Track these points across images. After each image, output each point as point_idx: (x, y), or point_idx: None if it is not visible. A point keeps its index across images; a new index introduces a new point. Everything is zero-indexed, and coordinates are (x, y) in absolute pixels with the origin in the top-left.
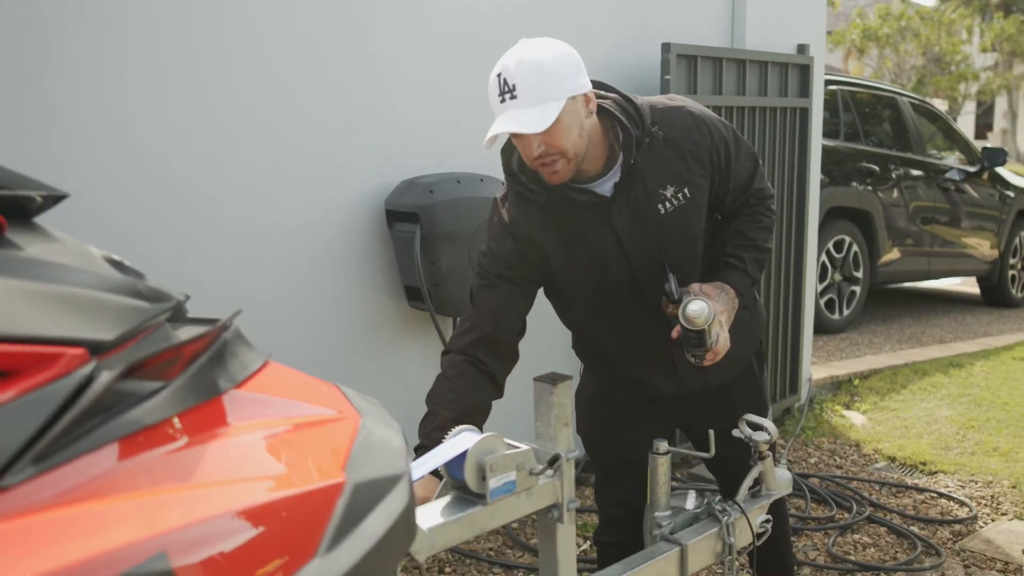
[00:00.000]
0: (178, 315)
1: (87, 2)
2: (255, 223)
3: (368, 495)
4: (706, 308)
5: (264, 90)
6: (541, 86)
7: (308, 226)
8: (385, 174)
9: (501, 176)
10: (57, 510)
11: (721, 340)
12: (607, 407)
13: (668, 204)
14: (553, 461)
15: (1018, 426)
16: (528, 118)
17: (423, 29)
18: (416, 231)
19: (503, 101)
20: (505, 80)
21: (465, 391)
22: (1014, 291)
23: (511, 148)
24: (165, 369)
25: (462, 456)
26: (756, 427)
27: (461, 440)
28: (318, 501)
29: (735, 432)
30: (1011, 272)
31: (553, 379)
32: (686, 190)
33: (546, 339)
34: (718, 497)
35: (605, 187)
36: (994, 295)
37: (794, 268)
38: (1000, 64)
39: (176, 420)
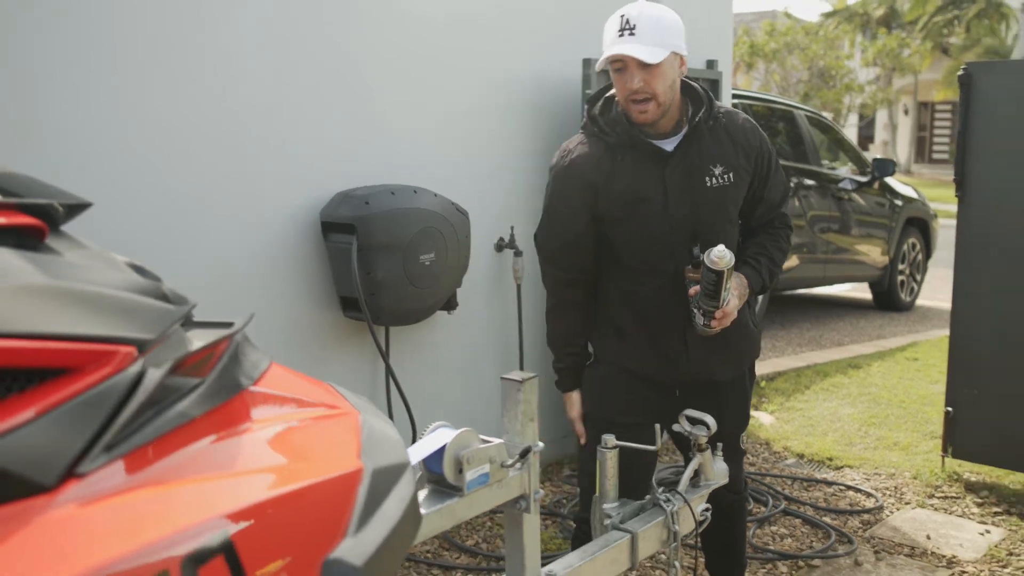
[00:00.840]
0: (187, 318)
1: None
2: (190, 235)
3: (384, 480)
4: (728, 253)
5: (197, 105)
6: (656, 32)
7: (243, 238)
8: (319, 186)
9: (434, 188)
10: (131, 494)
11: (732, 304)
12: (612, 390)
13: (715, 180)
14: (525, 453)
15: (915, 421)
16: (643, 50)
17: (353, 44)
18: (353, 242)
19: (621, 36)
20: (627, 20)
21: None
22: (903, 295)
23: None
24: (201, 367)
25: (440, 451)
26: (695, 422)
27: (438, 436)
28: (343, 486)
29: (675, 427)
30: (900, 277)
31: (520, 377)
32: (731, 175)
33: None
34: (661, 488)
35: (668, 146)
36: (885, 299)
37: None
38: (881, 78)
39: (214, 413)
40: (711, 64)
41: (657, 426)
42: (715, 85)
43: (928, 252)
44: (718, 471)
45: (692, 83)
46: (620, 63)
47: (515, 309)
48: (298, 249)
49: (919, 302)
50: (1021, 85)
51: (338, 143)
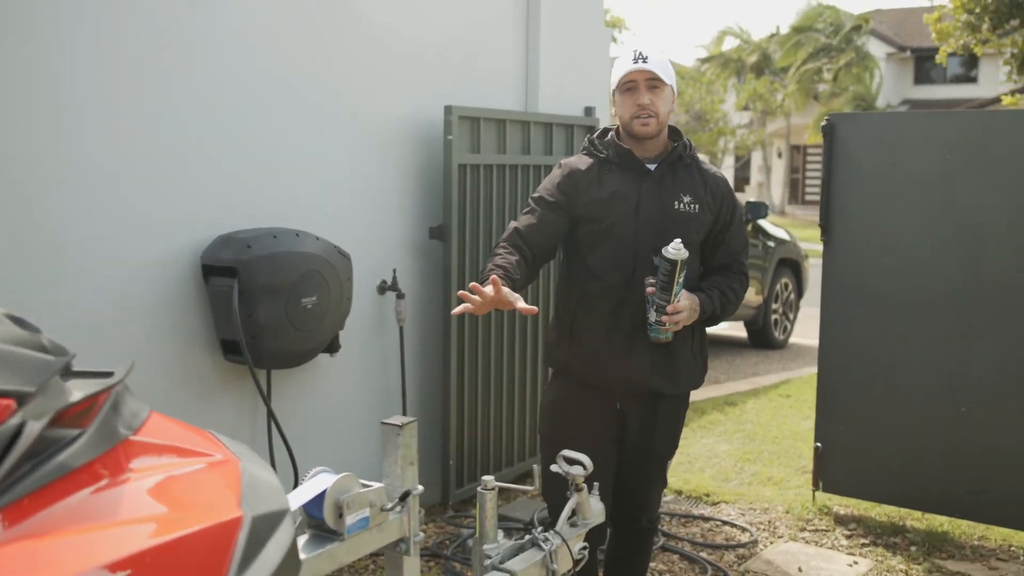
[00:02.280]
0: (67, 368)
1: None
2: (69, 277)
3: (264, 528)
4: (684, 248)
5: (77, 142)
6: (662, 66)
7: (122, 282)
8: (200, 229)
9: (316, 231)
10: (9, 547)
11: (683, 304)
12: (564, 411)
13: (683, 205)
14: (404, 497)
15: (787, 457)
16: (656, 69)
17: (232, 88)
18: (234, 285)
19: (635, 62)
20: (640, 52)
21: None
22: (777, 334)
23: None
24: (81, 418)
25: (320, 496)
26: (572, 462)
27: (319, 481)
28: (223, 533)
29: (552, 467)
30: (774, 316)
31: (400, 422)
32: (697, 206)
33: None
34: (540, 528)
35: (651, 166)
36: (759, 338)
37: None
38: (754, 122)
39: (93, 464)
40: (589, 111)
41: (535, 466)
42: (591, 131)
43: (800, 291)
44: (595, 510)
45: (676, 128)
46: (632, 83)
47: (397, 351)
48: (178, 292)
49: (792, 340)
50: (879, 136)
51: (219, 186)
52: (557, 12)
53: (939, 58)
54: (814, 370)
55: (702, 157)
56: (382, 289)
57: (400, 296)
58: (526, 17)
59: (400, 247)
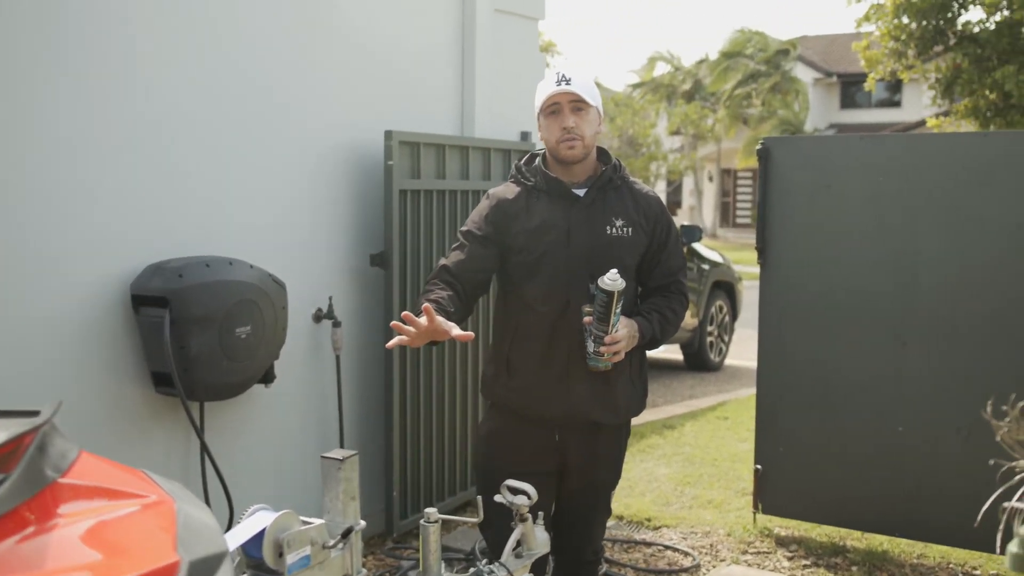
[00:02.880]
0: None
1: None
2: None
3: (201, 571)
4: (620, 279)
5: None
6: (587, 86)
7: (47, 313)
8: (129, 258)
9: (249, 259)
10: None
11: (621, 334)
12: (500, 444)
13: (615, 230)
14: (347, 533)
15: (727, 479)
16: (580, 91)
17: (166, 110)
18: (165, 315)
19: (559, 84)
20: (563, 74)
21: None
22: (712, 356)
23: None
24: (5, 461)
25: (259, 535)
26: (517, 492)
27: (257, 519)
28: None
29: (496, 497)
30: (709, 339)
31: (340, 456)
32: (630, 230)
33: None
34: (485, 560)
35: (579, 191)
36: (695, 360)
37: None
38: (685, 146)
39: (19, 510)
40: (525, 136)
41: (479, 497)
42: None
43: (734, 314)
44: (540, 540)
45: (605, 149)
46: (556, 105)
47: (334, 381)
48: (107, 323)
49: (727, 362)
50: (813, 159)
51: (149, 214)
52: (493, 38)
53: (868, 85)
54: (750, 392)
55: (634, 178)
56: (317, 317)
57: (336, 324)
58: (461, 42)
59: (337, 274)
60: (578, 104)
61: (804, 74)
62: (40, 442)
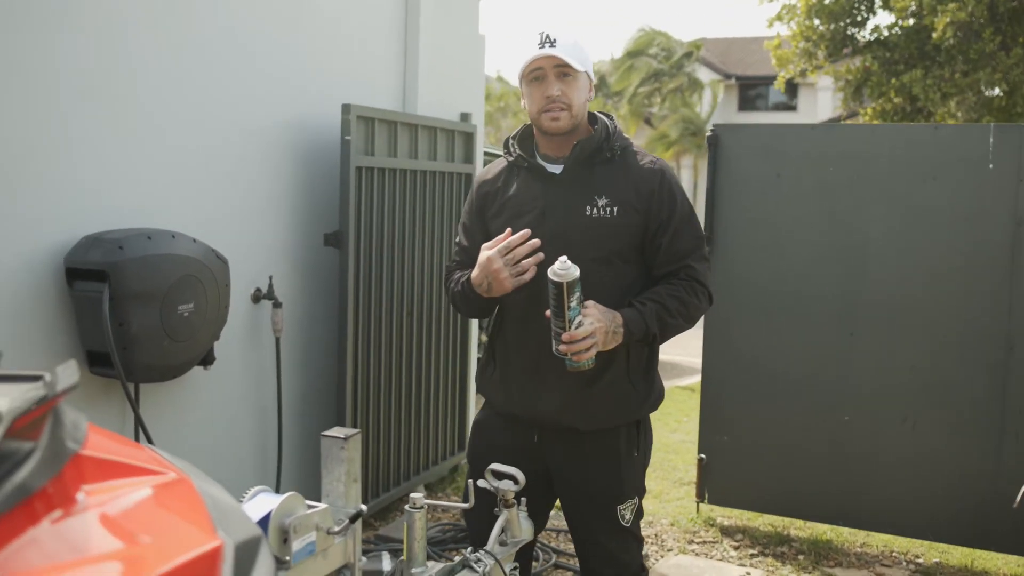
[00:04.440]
0: None
1: None
2: None
3: (246, 555)
4: (572, 267)
5: None
6: (575, 49)
7: None
8: (63, 228)
9: (192, 233)
10: None
11: (583, 330)
12: (487, 437)
13: (596, 210)
14: (356, 518)
15: (663, 469)
16: (566, 56)
17: (108, 75)
18: (104, 290)
19: (542, 47)
20: (547, 35)
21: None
22: None
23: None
24: (32, 429)
25: (264, 520)
26: (501, 476)
27: (260, 502)
28: (206, 565)
29: (480, 482)
30: None
31: (343, 434)
32: (615, 209)
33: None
34: (470, 548)
35: (557, 168)
36: None
37: (460, 329)
38: None
39: (48, 487)
40: (465, 117)
41: (470, 481)
42: (470, 138)
43: None
44: (525, 528)
45: (601, 115)
46: (540, 71)
47: (273, 364)
48: (38, 298)
49: None
50: (763, 147)
51: (85, 182)
52: (435, 19)
53: (777, 83)
54: (673, 383)
55: (638, 147)
56: (257, 297)
57: (277, 305)
58: (404, 21)
59: (280, 253)
60: (564, 69)
61: (703, 75)
62: (56, 409)
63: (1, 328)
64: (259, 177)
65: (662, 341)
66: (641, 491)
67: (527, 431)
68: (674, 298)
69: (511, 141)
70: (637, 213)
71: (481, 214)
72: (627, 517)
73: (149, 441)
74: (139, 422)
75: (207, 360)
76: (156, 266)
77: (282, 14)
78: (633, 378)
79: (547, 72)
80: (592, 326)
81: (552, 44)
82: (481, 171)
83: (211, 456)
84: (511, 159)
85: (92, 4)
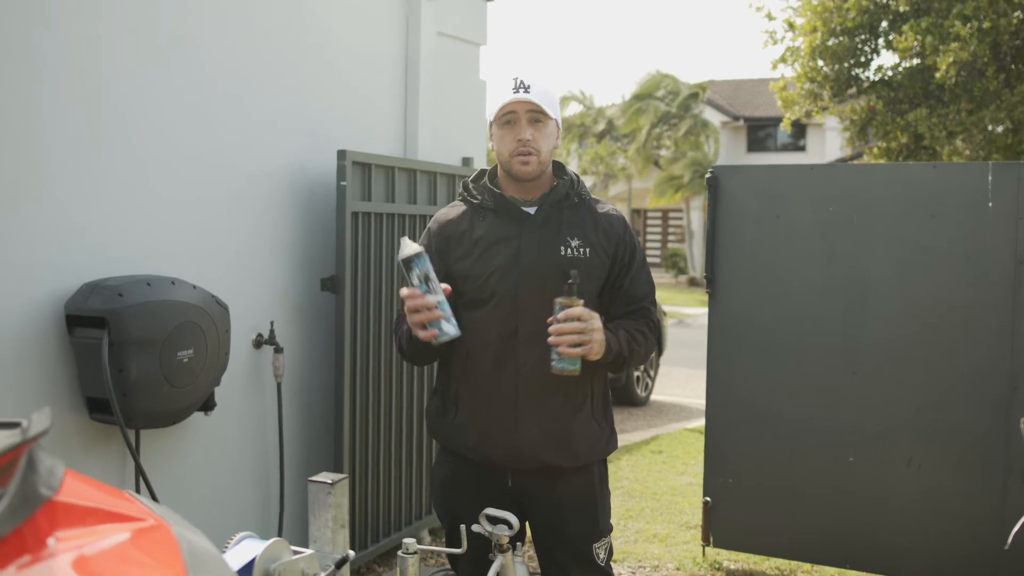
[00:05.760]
0: None
1: None
2: None
3: None
4: (413, 244)
5: None
6: (548, 96)
7: None
8: (63, 276)
9: (192, 280)
10: None
11: (587, 314)
12: (454, 493)
13: (570, 250)
14: (342, 564)
15: (669, 512)
16: (540, 101)
17: (108, 123)
18: (104, 337)
19: (516, 91)
20: (522, 81)
21: None
22: (639, 391)
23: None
24: (1, 475)
25: (248, 566)
26: (496, 521)
27: (244, 548)
28: None
29: (475, 527)
30: (636, 374)
31: (330, 479)
32: (588, 250)
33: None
34: None
35: (531, 210)
36: (622, 395)
37: None
38: (597, 185)
39: (18, 533)
40: (467, 161)
41: (463, 527)
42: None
43: (659, 349)
44: (520, 573)
45: (561, 164)
46: (513, 114)
47: (274, 408)
48: (38, 345)
49: (653, 397)
50: (762, 188)
51: (85, 230)
52: (435, 62)
53: (784, 124)
54: (680, 426)
55: (596, 196)
56: (258, 343)
57: (278, 350)
58: (405, 65)
59: (280, 299)
60: (536, 115)
61: (712, 117)
62: (29, 455)
63: (1, 374)
64: (260, 222)
65: (626, 368)
66: (610, 529)
67: (499, 477)
68: (639, 331)
69: (471, 184)
70: (606, 255)
71: (443, 256)
72: (601, 556)
73: (149, 487)
74: (139, 469)
75: (208, 406)
76: (155, 312)
77: (283, 60)
78: (597, 416)
79: (520, 116)
80: (593, 316)
81: (526, 90)
82: (438, 213)
83: (213, 502)
84: (475, 201)
85: (85, 52)
